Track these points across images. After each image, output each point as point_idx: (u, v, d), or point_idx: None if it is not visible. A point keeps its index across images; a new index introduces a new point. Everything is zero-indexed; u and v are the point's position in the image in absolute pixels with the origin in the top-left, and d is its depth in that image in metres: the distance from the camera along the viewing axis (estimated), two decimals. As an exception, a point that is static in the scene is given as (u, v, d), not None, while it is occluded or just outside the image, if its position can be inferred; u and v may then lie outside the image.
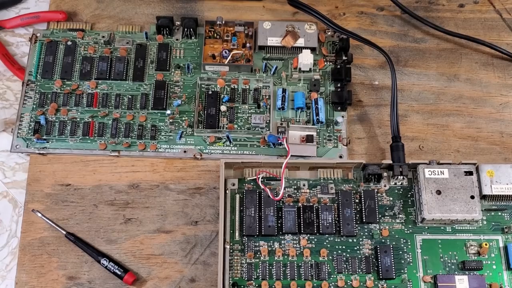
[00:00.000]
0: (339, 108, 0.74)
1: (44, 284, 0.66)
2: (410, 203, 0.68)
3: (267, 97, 0.74)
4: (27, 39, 0.78)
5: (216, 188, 0.70)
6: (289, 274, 0.64)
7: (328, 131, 0.73)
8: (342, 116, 0.73)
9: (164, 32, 0.77)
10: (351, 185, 0.68)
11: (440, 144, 0.73)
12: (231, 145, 0.72)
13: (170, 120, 0.73)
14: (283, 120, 0.73)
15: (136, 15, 0.80)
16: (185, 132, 0.72)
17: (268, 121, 0.72)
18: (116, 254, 0.67)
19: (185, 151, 0.72)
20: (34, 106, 0.73)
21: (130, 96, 0.74)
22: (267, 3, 0.81)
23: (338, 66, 0.76)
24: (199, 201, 0.70)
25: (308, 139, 0.71)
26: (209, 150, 0.72)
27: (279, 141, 0.71)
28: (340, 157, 0.72)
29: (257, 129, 0.72)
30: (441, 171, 0.66)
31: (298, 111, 0.73)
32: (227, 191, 0.68)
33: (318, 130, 0.73)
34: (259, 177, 0.67)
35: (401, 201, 0.68)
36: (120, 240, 0.68)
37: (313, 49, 0.76)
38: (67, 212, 0.69)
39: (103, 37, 0.77)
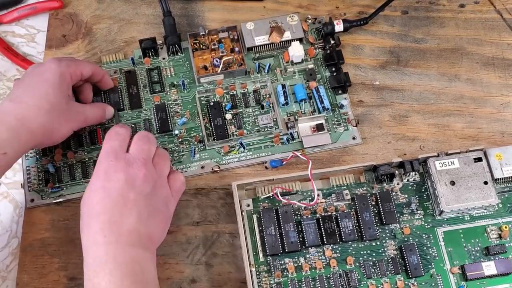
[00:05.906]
0: (340, 91, 0.74)
1: (45, 285, 0.66)
2: (425, 197, 0.68)
3: (268, 96, 0.74)
4: (28, 40, 0.78)
5: (217, 188, 0.70)
6: (319, 287, 0.64)
7: (336, 115, 0.73)
8: (345, 99, 0.73)
9: (150, 54, 0.75)
10: (364, 188, 0.68)
11: (441, 144, 0.73)
12: (246, 151, 0.71)
13: (180, 140, 0.72)
14: (289, 115, 0.73)
15: (137, 16, 0.80)
16: (197, 148, 0.71)
17: (275, 119, 0.72)
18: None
19: (202, 167, 0.70)
20: (38, 157, 0.71)
21: (132, 125, 0.72)
22: (268, 3, 0.81)
23: (328, 51, 0.75)
24: (200, 202, 0.70)
25: (319, 127, 0.71)
26: (225, 160, 0.71)
27: (284, 162, 0.70)
28: (354, 138, 0.72)
29: (266, 129, 0.72)
30: (451, 162, 0.66)
31: (301, 103, 0.73)
32: (243, 213, 0.67)
33: (326, 117, 0.72)
34: (276, 193, 0.66)
35: (417, 196, 0.68)
36: (122, 240, 0.68)
37: (300, 40, 0.76)
38: (68, 213, 0.69)
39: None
